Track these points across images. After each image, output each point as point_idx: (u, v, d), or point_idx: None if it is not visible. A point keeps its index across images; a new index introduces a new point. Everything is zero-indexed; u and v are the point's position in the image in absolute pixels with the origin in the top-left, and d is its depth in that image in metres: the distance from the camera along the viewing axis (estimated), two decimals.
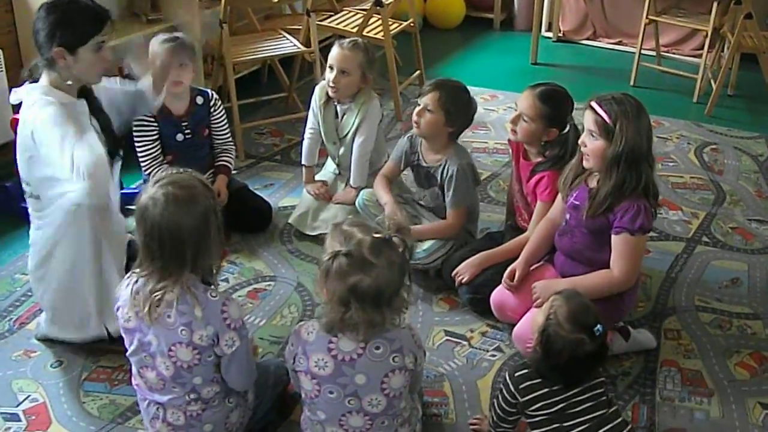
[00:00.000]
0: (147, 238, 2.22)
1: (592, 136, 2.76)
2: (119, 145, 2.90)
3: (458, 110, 3.31)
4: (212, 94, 3.64)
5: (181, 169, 2.33)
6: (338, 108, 3.72)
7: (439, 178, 3.39)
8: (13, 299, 3.28)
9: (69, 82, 2.71)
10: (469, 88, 3.40)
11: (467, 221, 3.46)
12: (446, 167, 3.35)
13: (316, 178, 3.92)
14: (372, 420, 2.28)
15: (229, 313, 2.26)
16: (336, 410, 2.27)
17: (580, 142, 2.83)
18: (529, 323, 2.63)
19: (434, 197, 3.46)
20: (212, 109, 3.62)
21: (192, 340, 2.25)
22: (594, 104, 2.76)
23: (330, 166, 3.92)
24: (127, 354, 2.39)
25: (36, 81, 2.73)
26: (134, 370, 2.42)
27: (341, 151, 3.77)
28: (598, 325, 2.33)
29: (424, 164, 3.44)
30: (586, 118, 2.78)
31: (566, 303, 2.35)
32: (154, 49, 3.41)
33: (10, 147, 3.95)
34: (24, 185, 2.78)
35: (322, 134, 3.81)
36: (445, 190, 3.37)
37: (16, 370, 2.91)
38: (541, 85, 3.18)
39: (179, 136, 3.53)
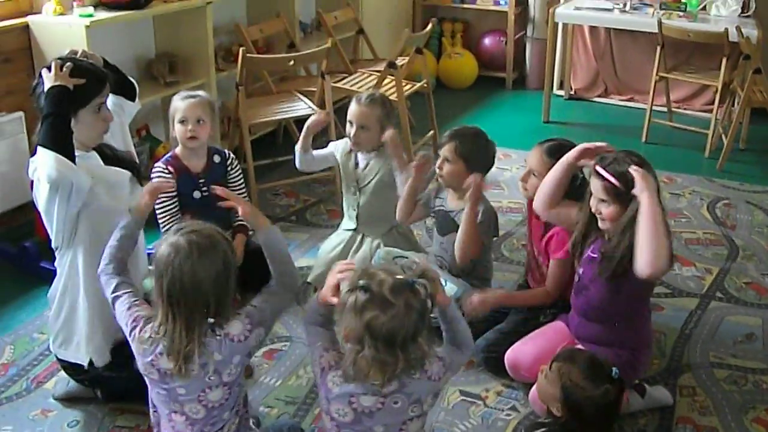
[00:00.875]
0: (170, 287, 2.22)
1: (604, 202, 2.76)
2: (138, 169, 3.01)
3: (476, 156, 3.35)
4: (229, 154, 3.69)
5: (197, 222, 2.36)
6: (359, 157, 3.75)
7: (459, 223, 3.42)
8: (31, 358, 3.31)
9: (83, 141, 2.78)
10: None
11: (481, 273, 3.50)
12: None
13: (332, 237, 3.93)
14: None
15: (235, 335, 2.28)
16: None
17: (594, 209, 2.81)
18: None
19: (450, 244, 3.46)
20: (229, 168, 3.66)
21: (222, 381, 2.30)
22: (600, 170, 2.75)
23: (346, 224, 3.90)
24: (154, 401, 2.43)
25: None
26: (159, 415, 2.45)
27: (361, 200, 3.76)
28: (613, 369, 2.35)
29: (447, 209, 3.49)
30: (594, 184, 2.78)
31: (574, 364, 2.36)
32: (174, 104, 3.46)
33: (29, 207, 4.06)
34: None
35: (342, 183, 3.85)
36: None
37: (33, 429, 2.92)
38: (548, 141, 3.23)
39: (196, 194, 3.56)
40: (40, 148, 2.58)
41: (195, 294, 2.22)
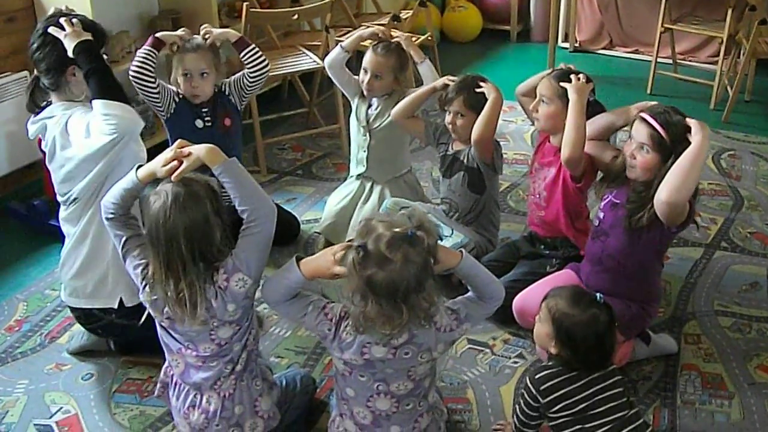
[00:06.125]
0: (150, 234, 2.28)
1: (643, 149, 2.75)
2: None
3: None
4: (222, 84, 3.58)
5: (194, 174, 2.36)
6: (372, 99, 3.78)
7: (465, 161, 3.45)
8: (44, 314, 3.36)
9: (81, 98, 2.80)
10: None
11: (488, 221, 3.56)
12: (471, 148, 3.41)
13: (341, 188, 3.95)
14: (398, 402, 2.35)
15: (219, 283, 2.31)
16: (364, 391, 2.35)
17: (628, 154, 2.81)
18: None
19: (457, 185, 3.51)
20: (225, 91, 3.57)
21: (226, 320, 2.36)
22: (648, 118, 2.74)
23: (355, 170, 3.91)
24: (164, 340, 2.48)
25: (43, 108, 2.85)
26: (169, 358, 2.52)
27: (372, 142, 3.79)
28: (597, 294, 2.41)
29: (451, 151, 3.53)
30: (638, 130, 2.76)
31: (560, 296, 2.44)
32: (177, 55, 3.40)
33: (38, 167, 4.09)
34: (60, 197, 2.84)
35: (351, 126, 3.88)
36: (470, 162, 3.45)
37: (49, 383, 2.98)
38: (554, 70, 3.25)
39: (198, 123, 3.49)
40: (102, 102, 2.62)
41: (171, 242, 2.25)
